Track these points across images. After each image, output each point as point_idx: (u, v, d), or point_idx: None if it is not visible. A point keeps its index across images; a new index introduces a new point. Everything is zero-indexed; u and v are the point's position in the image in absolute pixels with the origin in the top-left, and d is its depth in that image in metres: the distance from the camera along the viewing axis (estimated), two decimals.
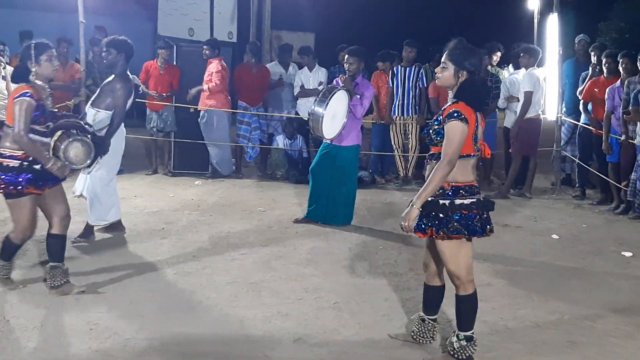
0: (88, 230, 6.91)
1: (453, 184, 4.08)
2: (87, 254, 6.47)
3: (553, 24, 10.71)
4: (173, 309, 5.14)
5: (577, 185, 10.05)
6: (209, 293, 5.48)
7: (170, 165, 10.98)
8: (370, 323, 4.99)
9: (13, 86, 5.73)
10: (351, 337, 4.74)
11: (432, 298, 4.54)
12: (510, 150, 9.99)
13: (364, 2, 18.11)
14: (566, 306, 5.42)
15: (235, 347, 4.54)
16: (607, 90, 8.84)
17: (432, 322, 4.57)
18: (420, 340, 4.58)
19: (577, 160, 9.81)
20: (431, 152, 4.23)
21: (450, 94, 4.22)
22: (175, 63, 11.07)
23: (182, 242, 6.98)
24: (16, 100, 5.05)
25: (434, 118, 4.24)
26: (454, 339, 4.27)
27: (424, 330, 4.57)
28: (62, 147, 5.99)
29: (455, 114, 4.02)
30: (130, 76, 6.98)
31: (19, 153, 5.13)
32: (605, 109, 8.84)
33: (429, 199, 4.05)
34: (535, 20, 11.08)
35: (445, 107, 4.19)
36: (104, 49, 6.92)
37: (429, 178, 4.03)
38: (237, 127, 11.02)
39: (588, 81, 9.49)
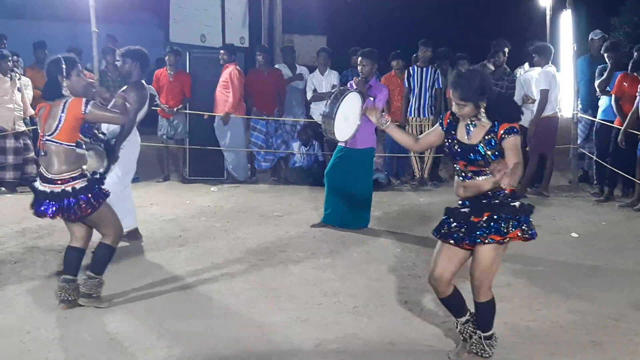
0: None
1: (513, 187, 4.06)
2: None
3: (566, 21, 10.64)
4: (192, 316, 5.13)
5: (595, 182, 9.97)
6: (228, 300, 5.48)
7: (185, 172, 11.00)
8: (390, 327, 4.96)
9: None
10: (371, 341, 4.72)
11: (458, 302, 4.41)
12: (527, 149, 9.92)
13: (375, 3, 18.08)
14: (587, 305, 5.37)
15: (255, 354, 4.53)
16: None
17: (472, 316, 4.40)
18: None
19: (594, 158, 9.72)
20: (471, 169, 4.15)
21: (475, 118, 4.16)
22: (187, 69, 11.09)
23: (200, 249, 6.99)
24: (89, 108, 4.98)
25: (481, 142, 4.10)
26: (476, 339, 4.27)
27: (473, 327, 4.38)
28: None
29: (515, 130, 4.10)
30: (146, 86, 6.99)
31: (77, 172, 5.05)
32: (636, 103, 8.67)
33: (509, 200, 4.07)
34: (548, 17, 10.99)
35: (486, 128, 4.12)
36: (119, 58, 6.96)
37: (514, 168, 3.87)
38: (249, 134, 11.02)
39: (608, 75, 9.34)
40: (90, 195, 5.02)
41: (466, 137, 4.18)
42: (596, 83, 9.63)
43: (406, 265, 6.45)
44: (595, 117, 9.77)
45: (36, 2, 16.50)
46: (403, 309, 5.32)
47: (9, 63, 9.65)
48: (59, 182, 4.99)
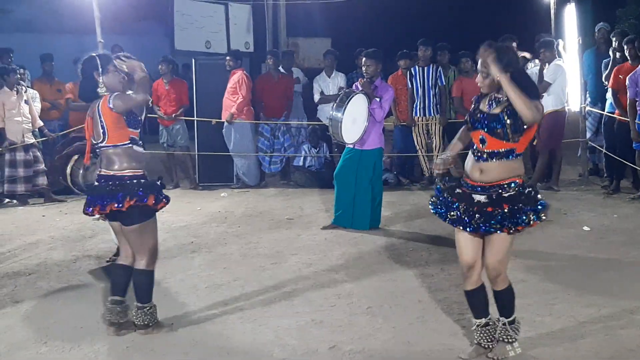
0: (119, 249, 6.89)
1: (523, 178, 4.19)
2: None
3: (571, 14, 10.61)
4: (207, 322, 5.14)
5: (605, 175, 9.94)
6: (242, 305, 5.48)
7: (195, 179, 11.02)
8: (405, 326, 4.96)
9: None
10: (387, 341, 4.72)
11: (482, 300, 4.40)
12: (535, 144, 9.90)
13: (378, 4, 18.06)
14: (603, 299, 5.35)
15: (270, 357, 4.53)
16: (627, 78, 8.71)
17: (492, 322, 4.38)
18: (491, 346, 4.36)
19: (604, 150, 9.69)
20: (487, 150, 4.15)
21: (500, 94, 4.16)
22: (193, 76, 11.12)
23: (212, 255, 7.00)
24: (112, 101, 4.73)
25: (502, 112, 4.10)
26: (502, 327, 4.31)
27: (491, 334, 4.36)
28: (82, 172, 6.06)
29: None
30: None
31: (140, 172, 4.85)
32: (628, 97, 8.72)
33: (526, 191, 4.12)
34: (552, 11, 10.97)
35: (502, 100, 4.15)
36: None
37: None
38: (257, 139, 11.04)
39: (611, 68, 9.36)
40: (146, 193, 4.75)
41: (488, 109, 4.19)
42: (603, 76, 9.63)
43: (419, 264, 6.44)
44: (603, 109, 9.75)
45: (43, 15, 16.59)
46: (417, 308, 5.31)
47: (16, 77, 9.69)
48: (121, 178, 4.77)
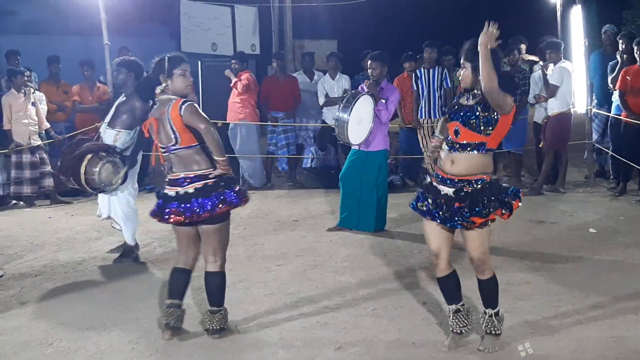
0: (128, 250, 6.93)
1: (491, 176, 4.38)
2: (125, 273, 6.52)
3: (577, 16, 10.60)
4: None
5: (611, 177, 9.92)
6: (247, 306, 5.49)
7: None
8: (410, 327, 4.96)
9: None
10: (392, 343, 4.72)
11: (454, 286, 4.60)
12: (541, 146, 9.89)
13: (384, 6, 18.07)
14: (608, 300, 5.34)
15: (276, 357, 4.54)
16: None
17: (464, 308, 4.59)
18: (463, 330, 4.58)
19: (610, 152, 9.67)
20: (460, 141, 4.36)
21: (477, 90, 4.35)
22: (199, 78, 11.14)
23: None
24: (183, 109, 4.69)
25: (477, 104, 4.32)
26: (488, 318, 4.48)
27: (463, 320, 4.57)
28: (97, 170, 6.09)
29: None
30: None
31: (211, 170, 4.73)
32: None
33: (489, 186, 4.28)
34: (558, 13, 10.96)
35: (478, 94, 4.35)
36: (115, 68, 7.01)
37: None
38: (267, 137, 11.05)
39: (619, 70, 9.34)
40: (229, 195, 4.70)
41: (466, 102, 4.41)
42: (609, 79, 9.61)
43: (424, 266, 6.44)
44: (610, 112, 9.73)
45: (49, 17, 16.64)
46: (422, 310, 5.31)
47: (24, 79, 9.72)
48: (201, 177, 4.70)
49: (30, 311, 5.53)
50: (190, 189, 4.68)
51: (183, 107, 4.69)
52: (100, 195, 6.83)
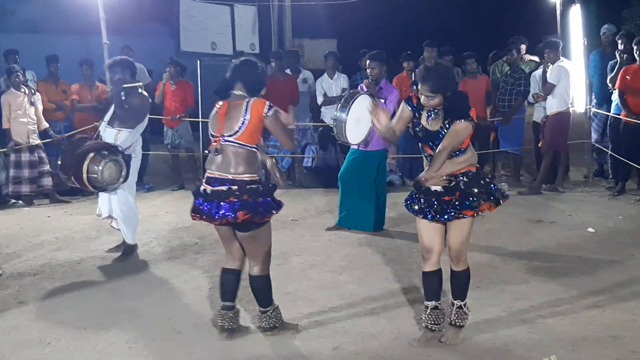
0: (128, 249, 6.94)
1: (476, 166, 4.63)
2: (123, 272, 6.52)
3: (576, 15, 10.60)
4: (210, 323, 5.15)
5: (610, 177, 9.92)
6: (245, 305, 5.48)
7: (200, 180, 11.01)
8: (408, 327, 4.96)
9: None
10: (390, 342, 4.73)
11: (437, 284, 4.73)
12: (540, 146, 9.89)
13: (384, 6, 18.09)
14: (606, 300, 5.35)
15: (273, 358, 4.54)
16: None
17: (441, 307, 4.73)
18: (436, 328, 4.69)
19: (609, 152, 9.67)
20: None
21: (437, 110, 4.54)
22: (199, 77, 11.13)
23: (216, 255, 7.00)
24: (271, 112, 4.64)
25: (441, 127, 4.53)
26: (455, 309, 4.66)
27: (438, 317, 4.70)
28: (99, 169, 6.09)
29: (469, 118, 4.50)
30: (145, 94, 6.98)
31: (256, 177, 4.66)
32: None
33: (476, 177, 4.52)
34: (558, 12, 10.96)
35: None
36: (109, 70, 6.98)
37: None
38: (267, 138, 11.04)
39: (618, 70, 9.34)
40: (261, 201, 4.59)
41: (427, 123, 4.58)
42: (608, 79, 9.62)
43: (422, 266, 6.42)
44: (609, 111, 9.73)
45: (48, 16, 16.62)
46: (420, 309, 5.28)
47: (20, 77, 9.71)
48: (236, 182, 4.57)
49: (29, 310, 5.53)
50: (217, 190, 4.57)
51: (272, 110, 4.64)
52: (101, 195, 6.83)
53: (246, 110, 4.61)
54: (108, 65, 7.12)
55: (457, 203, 4.45)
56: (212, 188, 4.60)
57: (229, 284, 4.87)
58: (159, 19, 18.19)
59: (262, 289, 4.85)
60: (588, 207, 8.69)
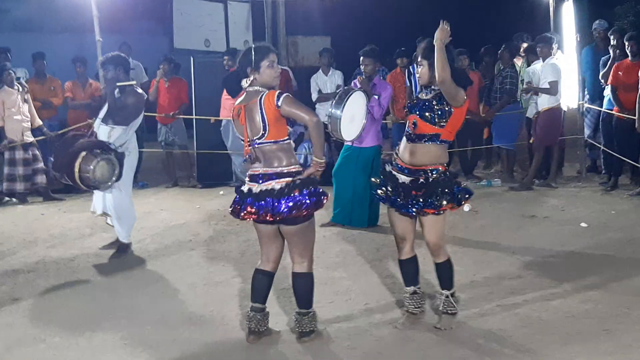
0: (122, 246, 6.93)
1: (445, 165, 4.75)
2: (118, 269, 6.52)
3: (569, 11, 10.62)
4: (205, 320, 5.16)
5: (603, 172, 9.95)
6: (240, 302, 5.50)
7: (194, 178, 11.03)
8: (402, 322, 4.97)
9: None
10: (384, 337, 4.74)
11: (414, 270, 4.96)
12: (531, 142, 9.92)
13: (377, 2, 18.07)
14: (599, 294, 5.37)
15: (269, 354, 4.56)
16: None
17: (420, 291, 4.96)
18: (417, 311, 4.91)
19: (602, 147, 9.70)
20: (417, 133, 4.74)
21: (435, 85, 4.71)
22: (192, 75, 11.12)
23: (211, 252, 7.02)
24: (282, 101, 4.42)
25: (433, 98, 4.70)
26: (445, 299, 4.80)
27: (418, 301, 4.92)
28: (91, 168, 6.06)
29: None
30: (140, 91, 6.97)
31: (297, 166, 4.55)
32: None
33: (442, 178, 4.64)
34: (551, 8, 10.97)
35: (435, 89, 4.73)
36: (102, 67, 6.96)
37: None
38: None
39: (610, 65, 9.36)
40: (313, 191, 4.47)
41: (424, 96, 4.81)
42: (600, 74, 9.65)
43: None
44: (602, 107, 9.75)
45: (41, 15, 16.58)
46: None
47: (12, 74, 9.68)
48: (288, 174, 4.47)
49: (23, 308, 5.53)
50: (266, 186, 4.46)
51: (281, 97, 4.44)
52: (95, 192, 6.82)
53: (261, 109, 4.46)
54: (101, 62, 7.10)
55: (421, 200, 4.61)
56: (261, 185, 4.48)
57: (261, 285, 4.72)
58: (152, 16, 18.15)
59: (307, 288, 4.71)
60: (581, 203, 8.72)
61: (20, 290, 5.96)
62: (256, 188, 4.49)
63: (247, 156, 4.55)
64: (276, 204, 4.39)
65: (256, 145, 4.51)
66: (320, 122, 4.51)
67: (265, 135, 4.48)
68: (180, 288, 5.93)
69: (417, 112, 4.74)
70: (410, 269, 4.95)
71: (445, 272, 4.85)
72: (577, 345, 4.48)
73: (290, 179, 4.45)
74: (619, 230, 7.35)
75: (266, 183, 4.47)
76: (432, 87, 4.75)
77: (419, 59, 4.78)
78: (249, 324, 4.69)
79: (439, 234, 4.74)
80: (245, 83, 4.61)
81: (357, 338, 4.73)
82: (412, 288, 4.92)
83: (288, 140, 4.58)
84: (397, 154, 4.89)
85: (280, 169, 4.49)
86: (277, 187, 4.43)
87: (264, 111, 4.45)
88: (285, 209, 4.38)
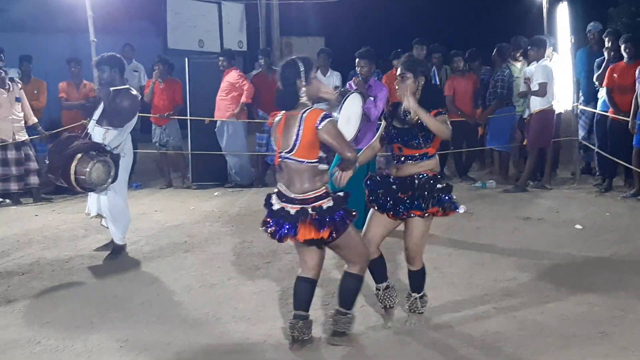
0: (117, 248, 6.90)
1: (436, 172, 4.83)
2: (112, 271, 6.50)
3: (563, 13, 10.64)
4: (200, 322, 5.15)
5: (597, 174, 9.97)
6: (236, 304, 5.49)
7: (189, 179, 11.01)
8: (398, 324, 4.97)
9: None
10: (381, 338, 4.74)
11: (382, 267, 5.03)
12: (524, 143, 9.93)
13: (372, 3, 18.07)
14: (595, 297, 5.38)
15: (264, 356, 4.55)
16: (638, 69, 8.67)
17: (391, 285, 5.06)
18: (393, 305, 5.02)
19: (596, 149, 9.72)
20: (405, 154, 4.81)
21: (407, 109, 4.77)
22: (186, 75, 11.10)
23: (206, 254, 7.00)
24: (323, 124, 4.29)
25: (415, 127, 4.74)
26: (413, 300, 4.95)
27: (392, 295, 5.03)
28: (87, 170, 6.03)
29: (442, 112, 4.78)
30: (135, 92, 6.93)
31: (322, 191, 4.40)
32: (637, 89, 8.67)
33: (431, 182, 4.71)
34: (545, 10, 10.99)
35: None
36: (97, 68, 6.93)
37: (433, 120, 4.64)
38: (256, 136, 11.03)
39: (605, 67, 9.38)
40: (337, 216, 4.37)
41: (401, 124, 4.83)
42: (595, 76, 9.66)
43: None
44: (596, 108, 9.77)
45: (35, 15, 16.53)
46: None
47: (2, 74, 9.62)
48: (302, 202, 4.36)
49: (18, 309, 5.50)
50: (283, 206, 4.40)
51: (325, 121, 4.28)
52: (91, 193, 6.79)
53: (300, 122, 4.30)
54: (95, 62, 7.07)
55: (407, 202, 4.70)
56: (281, 205, 4.42)
57: (302, 292, 4.60)
58: (146, 17, 18.12)
59: (354, 288, 4.65)
60: (576, 204, 8.74)
61: (14, 292, 5.93)
62: (278, 206, 4.45)
63: (277, 167, 4.61)
64: (287, 227, 4.35)
65: (283, 159, 4.43)
66: (355, 159, 4.51)
67: (294, 151, 4.34)
68: (175, 290, 5.92)
69: (401, 142, 4.81)
70: (377, 268, 5.00)
71: (417, 279, 4.96)
72: (573, 348, 4.49)
73: (302, 206, 4.34)
74: (614, 232, 7.37)
75: (283, 203, 4.41)
76: (407, 112, 4.77)
77: (400, 71, 4.94)
78: (291, 332, 4.56)
79: (418, 241, 4.81)
80: (302, 99, 4.42)
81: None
82: (384, 284, 5.02)
83: (316, 163, 4.39)
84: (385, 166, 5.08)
85: (294, 195, 4.38)
86: (292, 212, 4.36)
87: (302, 127, 4.30)
88: (288, 233, 4.36)
